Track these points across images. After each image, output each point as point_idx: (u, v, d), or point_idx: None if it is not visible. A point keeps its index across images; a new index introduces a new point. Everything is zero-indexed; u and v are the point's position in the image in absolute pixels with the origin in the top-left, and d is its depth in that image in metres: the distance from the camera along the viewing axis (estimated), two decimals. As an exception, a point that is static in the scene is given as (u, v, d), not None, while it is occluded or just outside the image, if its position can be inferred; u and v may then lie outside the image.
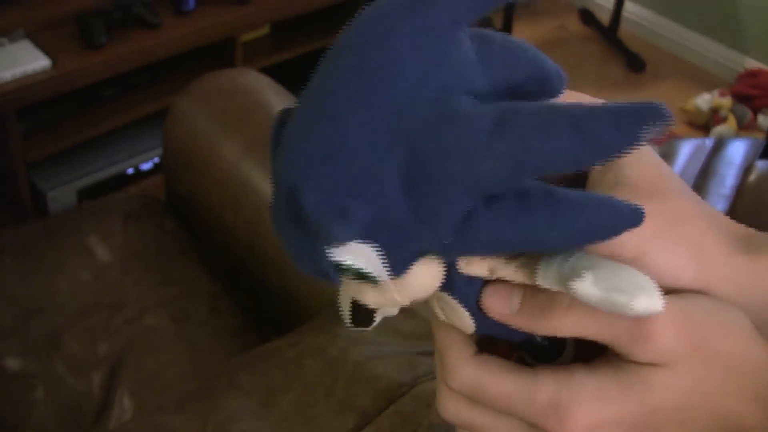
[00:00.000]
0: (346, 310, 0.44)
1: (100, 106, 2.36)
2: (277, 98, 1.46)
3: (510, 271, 0.43)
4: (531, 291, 0.43)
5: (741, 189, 1.53)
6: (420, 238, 0.38)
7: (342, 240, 0.36)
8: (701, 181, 1.95)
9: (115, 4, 2.22)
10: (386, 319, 0.82)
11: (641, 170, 0.46)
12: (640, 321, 0.42)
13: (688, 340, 0.43)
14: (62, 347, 1.25)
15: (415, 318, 0.84)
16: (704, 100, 3.13)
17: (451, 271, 0.42)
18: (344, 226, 0.36)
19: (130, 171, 2.40)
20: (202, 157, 1.41)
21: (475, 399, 0.46)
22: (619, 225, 0.39)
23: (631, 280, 0.39)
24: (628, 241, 0.43)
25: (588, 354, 0.46)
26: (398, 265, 0.39)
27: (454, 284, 0.43)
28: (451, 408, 0.47)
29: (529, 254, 0.42)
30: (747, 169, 1.55)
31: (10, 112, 2.07)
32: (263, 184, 1.32)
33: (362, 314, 0.43)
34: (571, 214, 0.39)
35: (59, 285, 1.31)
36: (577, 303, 0.42)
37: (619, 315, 0.40)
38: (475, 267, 0.43)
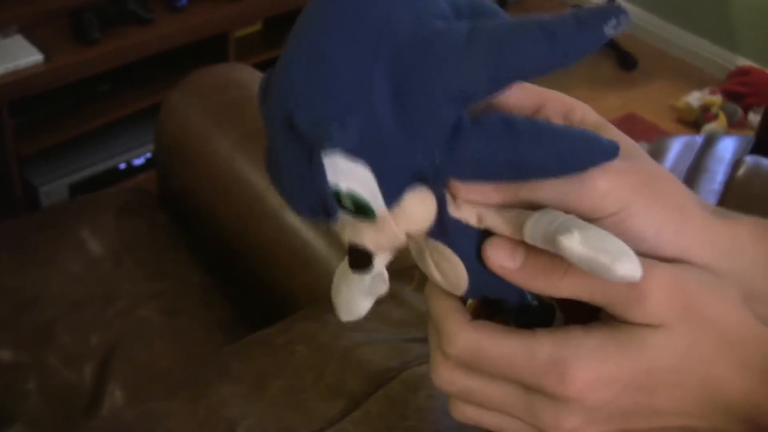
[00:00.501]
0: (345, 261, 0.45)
1: (93, 102, 2.37)
2: (269, 93, 1.46)
3: (498, 222, 0.44)
4: (534, 250, 0.45)
5: (730, 183, 1.54)
6: (411, 155, 0.40)
7: (338, 143, 0.38)
8: (691, 177, 1.96)
9: (109, -1, 2.22)
10: (375, 307, 0.83)
11: (619, 135, 0.47)
12: (633, 283, 0.43)
13: (679, 303, 0.44)
14: (55, 339, 1.26)
15: (404, 306, 0.85)
16: (695, 98, 3.14)
17: (443, 216, 0.44)
18: (339, 132, 0.38)
19: (123, 166, 2.41)
20: (194, 151, 1.41)
21: (473, 364, 0.46)
22: (598, 153, 0.42)
23: (616, 245, 0.41)
24: (609, 193, 0.44)
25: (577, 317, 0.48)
26: (391, 192, 0.41)
27: (448, 231, 0.44)
28: (447, 376, 0.48)
29: (518, 210, 0.44)
30: (736, 163, 1.56)
31: (2, 107, 2.08)
32: (256, 178, 1.32)
33: (360, 258, 0.43)
34: (554, 136, 0.41)
35: (52, 277, 1.32)
36: (574, 267, 0.43)
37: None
38: (464, 212, 0.44)
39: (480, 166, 0.41)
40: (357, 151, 0.39)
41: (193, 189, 1.42)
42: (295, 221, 1.27)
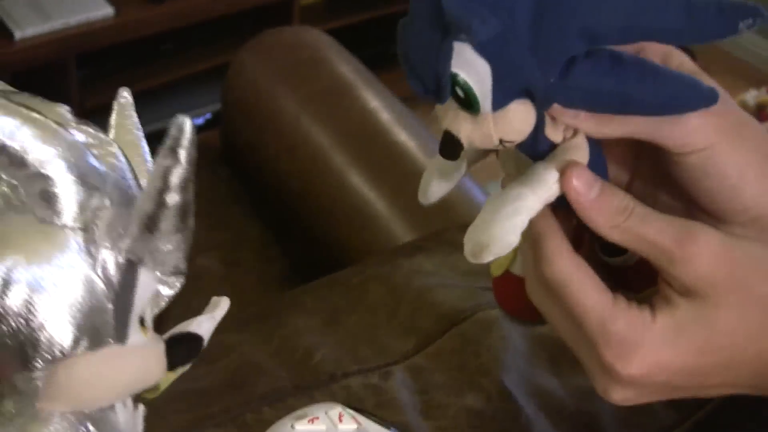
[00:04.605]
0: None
1: (156, 60, 2.40)
2: (338, 56, 1.48)
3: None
4: (609, 188, 0.47)
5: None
6: (530, 69, 0.43)
7: (474, 35, 0.40)
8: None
9: (180, -41, 2.25)
10: (445, 257, 0.85)
11: (714, 84, 0.49)
12: (681, 243, 0.46)
13: (725, 271, 0.46)
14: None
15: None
16: (751, 96, 3.12)
17: (539, 134, 0.47)
18: (478, 25, 0.40)
19: (183, 125, 2.43)
20: (261, 108, 1.43)
21: (555, 291, 0.49)
22: (699, 98, 0.44)
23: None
24: (697, 129, 0.46)
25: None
26: (501, 96, 0.43)
27: (539, 149, 0.48)
28: (535, 290, 0.51)
29: None
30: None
31: (70, 58, 2.11)
32: (321, 136, 1.34)
33: (450, 146, 0.46)
34: (659, 75, 0.44)
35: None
36: (634, 216, 0.47)
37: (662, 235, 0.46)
38: (560, 135, 0.47)
39: (587, 94, 0.44)
40: (486, 48, 0.42)
41: (258, 145, 1.44)
42: (357, 180, 1.29)
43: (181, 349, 0.46)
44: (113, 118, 0.50)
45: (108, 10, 2.11)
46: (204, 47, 2.45)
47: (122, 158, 0.45)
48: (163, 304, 0.49)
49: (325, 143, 1.33)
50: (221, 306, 0.54)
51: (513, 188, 0.47)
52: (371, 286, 0.83)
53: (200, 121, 2.46)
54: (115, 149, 0.45)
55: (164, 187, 0.41)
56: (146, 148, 0.49)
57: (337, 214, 1.30)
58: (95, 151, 0.43)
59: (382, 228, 1.24)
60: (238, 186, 1.49)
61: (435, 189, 0.54)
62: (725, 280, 0.46)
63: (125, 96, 0.51)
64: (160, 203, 0.41)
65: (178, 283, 0.48)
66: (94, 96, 2.26)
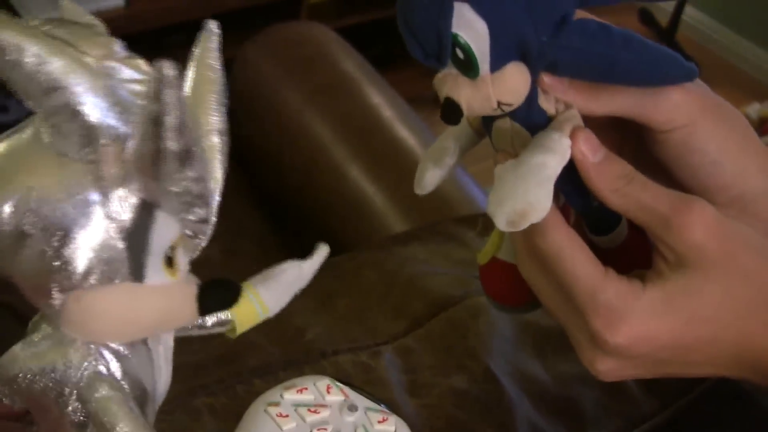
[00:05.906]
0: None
1: (165, 52, 2.40)
2: (343, 52, 1.50)
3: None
4: (612, 155, 0.49)
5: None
6: (525, 28, 0.45)
7: None
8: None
9: (191, -49, 2.27)
10: (438, 247, 0.86)
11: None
12: (676, 211, 0.47)
13: (717, 244, 0.47)
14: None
15: (466, 248, 0.88)
16: (754, 109, 3.14)
17: (533, 103, 0.49)
18: None
19: (187, 116, 2.45)
20: (265, 101, 1.45)
21: (547, 261, 0.50)
22: (678, 71, 0.47)
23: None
24: (681, 105, 0.48)
25: (639, 235, 0.51)
26: (498, 56, 0.46)
27: (533, 118, 0.49)
28: (526, 266, 0.52)
29: None
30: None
31: (79, 47, 2.13)
32: (323, 130, 1.36)
33: (451, 112, 0.48)
34: (644, 44, 0.46)
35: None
36: (635, 183, 0.48)
37: (660, 202, 0.48)
38: (551, 106, 0.49)
39: (576, 54, 0.46)
40: (484, 7, 0.44)
41: (260, 137, 1.46)
42: (357, 174, 1.30)
43: (214, 294, 0.47)
44: (197, 51, 0.50)
45: (118, 1, 2.13)
46: (213, 40, 2.47)
47: (159, 97, 0.44)
48: (199, 248, 0.49)
49: (326, 137, 1.35)
50: (319, 253, 0.55)
51: (532, 157, 0.48)
52: (365, 271, 0.85)
53: (206, 113, 2.47)
54: (150, 87, 0.42)
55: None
56: (221, 87, 0.49)
57: (335, 207, 1.31)
58: (131, 87, 0.44)
59: (380, 221, 1.25)
60: (238, 177, 1.51)
61: (430, 177, 0.56)
62: (716, 252, 0.47)
63: (212, 28, 0.50)
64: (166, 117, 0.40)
65: (206, 230, 0.48)
66: (101, 85, 2.28)
